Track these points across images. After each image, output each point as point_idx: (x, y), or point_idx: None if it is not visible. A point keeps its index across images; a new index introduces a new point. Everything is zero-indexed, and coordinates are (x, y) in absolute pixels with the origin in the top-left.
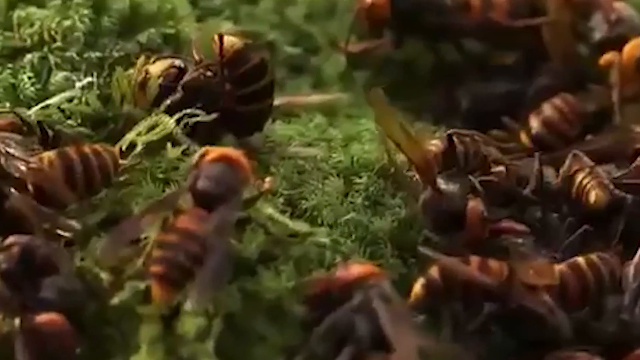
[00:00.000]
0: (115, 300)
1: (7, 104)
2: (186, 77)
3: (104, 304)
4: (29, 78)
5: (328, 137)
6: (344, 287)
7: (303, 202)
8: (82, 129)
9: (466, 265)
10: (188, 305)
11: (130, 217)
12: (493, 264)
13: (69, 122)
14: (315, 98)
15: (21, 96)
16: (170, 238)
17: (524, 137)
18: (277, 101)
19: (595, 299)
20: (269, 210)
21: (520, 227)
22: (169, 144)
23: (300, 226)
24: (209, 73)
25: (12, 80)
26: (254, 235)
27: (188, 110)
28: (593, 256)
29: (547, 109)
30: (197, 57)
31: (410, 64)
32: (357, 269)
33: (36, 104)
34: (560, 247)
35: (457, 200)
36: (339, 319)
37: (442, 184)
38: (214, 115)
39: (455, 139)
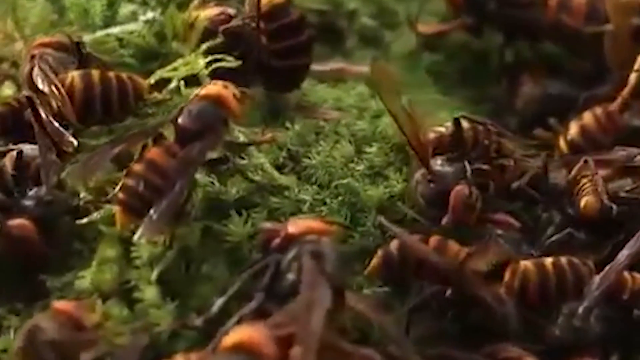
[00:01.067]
0: (84, 220)
1: (76, 27)
2: (228, 25)
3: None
4: (102, 6)
5: (363, 106)
6: (285, 238)
7: (305, 159)
8: (131, 59)
9: (424, 244)
10: (137, 234)
11: (107, 144)
12: (452, 246)
13: (122, 51)
14: (355, 70)
15: (90, 21)
16: (136, 168)
17: (562, 141)
18: (332, 65)
19: (553, 300)
20: (261, 159)
21: (511, 221)
22: (182, 82)
23: (288, 181)
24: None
25: (86, 6)
26: (237, 180)
27: (219, 55)
28: (563, 259)
29: (587, 117)
30: (247, 8)
31: (482, 54)
32: (304, 223)
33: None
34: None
35: (445, 182)
36: (265, 266)
37: (437, 165)
38: (239, 63)
39: (466, 124)
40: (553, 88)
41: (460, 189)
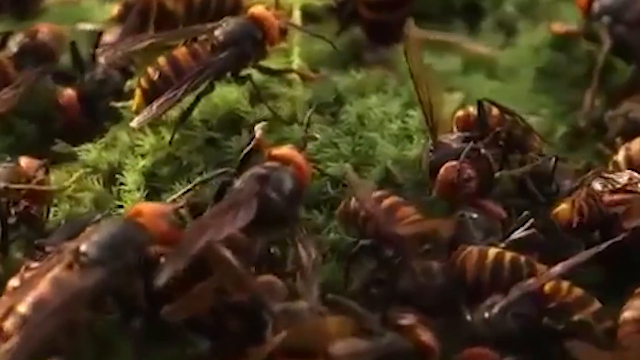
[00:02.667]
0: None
1: None
2: None
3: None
4: None
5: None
6: (267, 157)
7: (347, 106)
8: None
9: (377, 204)
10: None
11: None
12: (404, 211)
13: None
14: (474, 47)
15: None
16: (160, 60)
17: (620, 155)
18: (437, 35)
19: (486, 290)
20: (295, 92)
21: (498, 210)
22: None
23: (312, 119)
24: None
25: None
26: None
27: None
28: (509, 254)
29: None
30: None
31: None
32: (290, 152)
33: None
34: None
35: (443, 156)
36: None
37: (449, 139)
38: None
39: (496, 111)
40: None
41: (451, 165)
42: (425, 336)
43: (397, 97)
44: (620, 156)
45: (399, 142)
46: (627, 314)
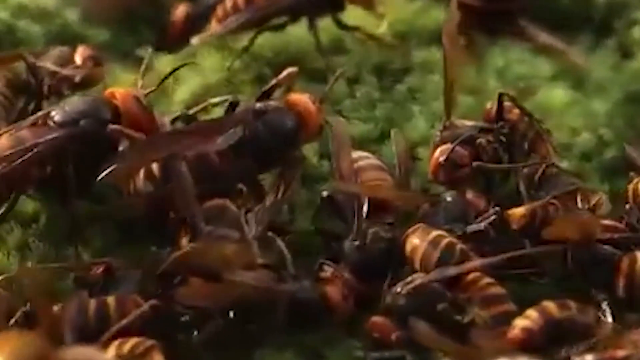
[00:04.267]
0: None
1: None
2: None
3: None
4: None
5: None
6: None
7: (405, 78)
8: None
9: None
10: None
11: None
12: (371, 174)
13: None
14: (572, 56)
15: None
16: None
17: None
18: (542, 37)
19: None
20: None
21: (478, 202)
22: None
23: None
24: None
25: None
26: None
27: None
28: (448, 239)
29: None
30: None
31: None
32: (295, 96)
33: None
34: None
35: (445, 138)
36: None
37: (462, 123)
38: None
39: (517, 110)
40: None
41: (443, 149)
42: (334, 292)
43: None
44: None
45: (434, 121)
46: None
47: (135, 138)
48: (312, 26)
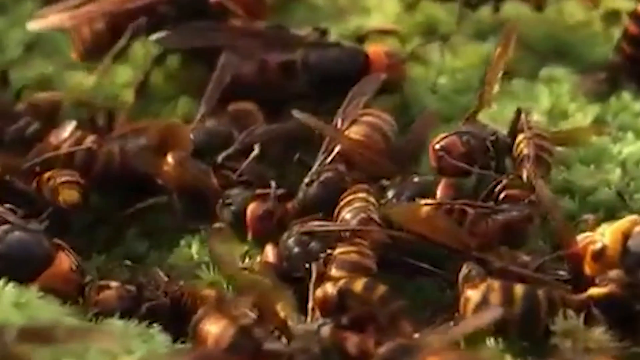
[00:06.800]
0: None
1: None
2: None
3: None
4: None
5: None
6: None
7: None
8: None
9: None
10: None
11: None
12: (363, 129)
13: None
14: None
15: None
16: None
17: None
18: None
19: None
20: None
21: (448, 192)
22: None
23: None
24: None
25: None
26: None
27: None
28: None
29: None
30: None
31: None
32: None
33: None
34: None
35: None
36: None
37: (482, 124)
38: None
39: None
40: None
41: (438, 139)
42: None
43: None
44: None
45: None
46: None
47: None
48: None
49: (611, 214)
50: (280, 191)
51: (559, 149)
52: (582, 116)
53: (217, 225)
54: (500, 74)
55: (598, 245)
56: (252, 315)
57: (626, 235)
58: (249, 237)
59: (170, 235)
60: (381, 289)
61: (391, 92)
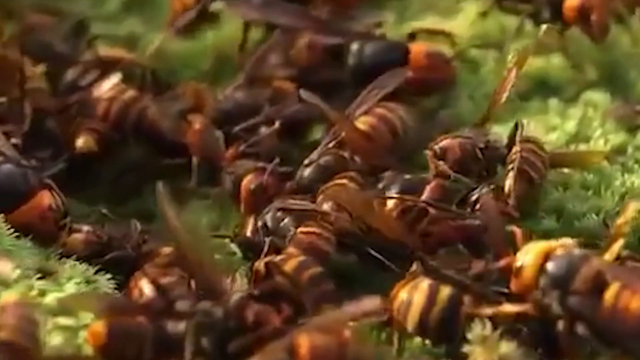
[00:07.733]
0: None
1: None
2: None
3: None
4: None
5: None
6: None
7: None
8: None
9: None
10: None
11: None
12: (371, 120)
13: None
14: None
15: None
16: None
17: None
18: None
19: None
20: None
21: (434, 192)
22: None
23: None
24: None
25: None
26: None
27: None
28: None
29: None
30: None
31: None
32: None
33: None
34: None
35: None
36: None
37: (486, 130)
38: None
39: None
40: None
41: (439, 140)
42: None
43: None
44: None
45: None
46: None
47: None
48: None
49: (593, 242)
50: (285, 169)
51: (566, 170)
52: (603, 142)
53: (216, 190)
54: (509, 89)
55: (517, 264)
56: (184, 275)
57: (546, 256)
58: (241, 208)
59: (181, 197)
60: (311, 271)
61: (433, 92)
